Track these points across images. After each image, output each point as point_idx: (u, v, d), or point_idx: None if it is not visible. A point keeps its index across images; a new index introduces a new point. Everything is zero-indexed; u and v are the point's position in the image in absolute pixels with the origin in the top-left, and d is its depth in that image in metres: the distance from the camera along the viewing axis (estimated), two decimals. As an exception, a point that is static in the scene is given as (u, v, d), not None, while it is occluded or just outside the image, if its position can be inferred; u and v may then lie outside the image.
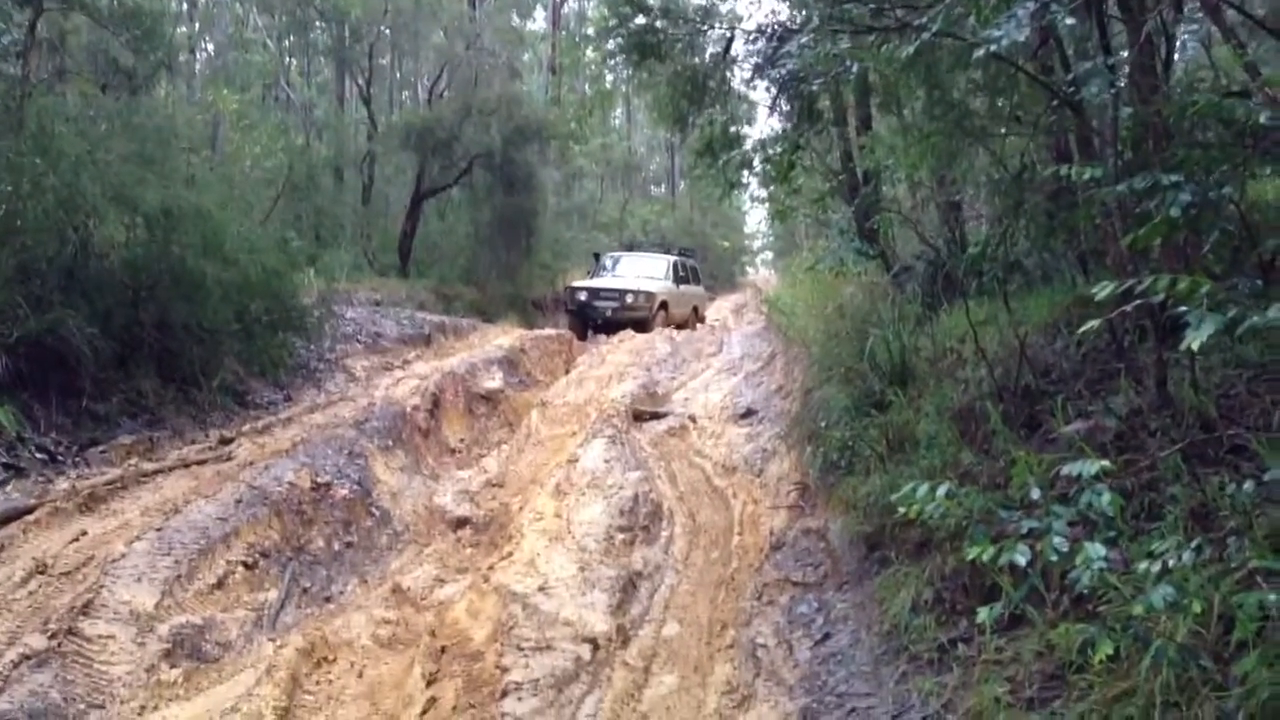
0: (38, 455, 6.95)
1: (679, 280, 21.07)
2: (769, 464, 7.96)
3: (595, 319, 18.98)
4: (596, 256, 22.73)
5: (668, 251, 23.16)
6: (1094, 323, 2.98)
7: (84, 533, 5.87)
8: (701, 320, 21.47)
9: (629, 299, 19.05)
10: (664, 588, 5.64)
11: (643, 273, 20.59)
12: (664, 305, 19.54)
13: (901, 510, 3.15)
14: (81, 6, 10.94)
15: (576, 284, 20.46)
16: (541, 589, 5.33)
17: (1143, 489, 3.60)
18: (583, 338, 18.28)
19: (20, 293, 7.40)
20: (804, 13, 8.28)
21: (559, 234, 27.88)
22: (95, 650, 4.65)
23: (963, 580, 4.05)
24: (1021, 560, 2.73)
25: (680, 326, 19.23)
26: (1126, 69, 4.85)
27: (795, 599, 5.19)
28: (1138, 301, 2.66)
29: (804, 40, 4.97)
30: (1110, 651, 2.62)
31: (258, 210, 13.63)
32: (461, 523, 7.21)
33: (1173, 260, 4.46)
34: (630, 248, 24.45)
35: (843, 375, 7.17)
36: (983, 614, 2.88)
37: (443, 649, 4.79)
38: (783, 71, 5.30)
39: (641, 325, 18.26)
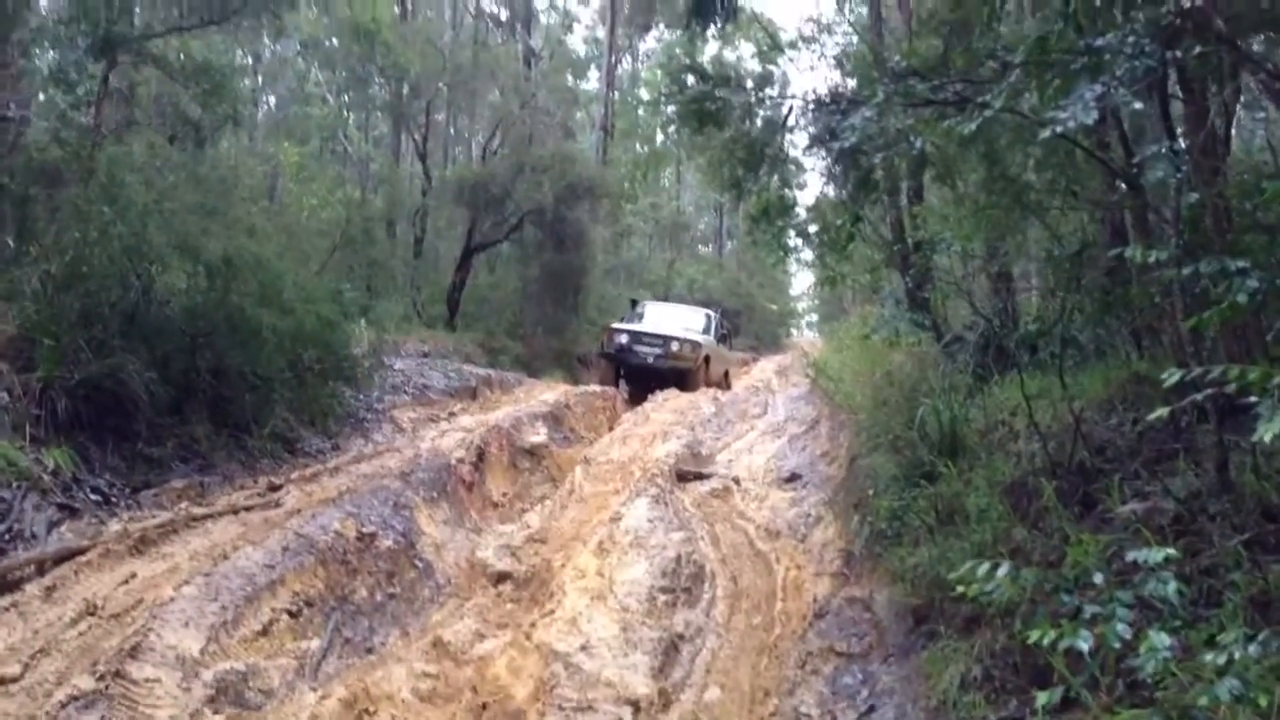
0: (92, 497, 7.05)
1: (718, 337, 19.88)
2: (813, 530, 7.91)
3: (634, 365, 17.82)
4: (633, 303, 21.02)
5: (705, 306, 22.15)
6: (1161, 411, 2.96)
7: (134, 575, 5.94)
8: (728, 386, 19.54)
9: (674, 346, 17.71)
10: (705, 651, 5.61)
11: (684, 323, 19.24)
12: (707, 360, 18.26)
13: (960, 589, 3.12)
14: (154, 60, 11.26)
15: (617, 325, 18.88)
16: (583, 648, 5.31)
17: (1201, 574, 3.55)
18: (615, 385, 17.57)
19: (83, 336, 7.56)
20: (857, 84, 8.38)
21: (606, 291, 28.05)
22: (141, 693, 4.69)
23: (1013, 659, 4.00)
24: (1084, 646, 2.70)
25: (712, 387, 17.99)
26: (1187, 150, 4.85)
27: (839, 669, 5.14)
28: (1209, 391, 2.64)
29: (868, 114, 5.02)
30: (1174, 742, 2.58)
31: (314, 261, 13.85)
32: (503, 577, 7.21)
33: (1232, 343, 4.43)
34: (665, 299, 23.46)
35: (891, 444, 7.14)
36: (1042, 698, 2.84)
37: (484, 705, 4.78)
38: (846, 144, 5.33)
39: (683, 378, 17.27)
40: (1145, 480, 4.49)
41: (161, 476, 7.76)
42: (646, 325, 18.66)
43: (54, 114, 10.72)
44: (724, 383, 19.38)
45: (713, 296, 28.42)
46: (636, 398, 16.45)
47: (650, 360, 17.59)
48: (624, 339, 17.95)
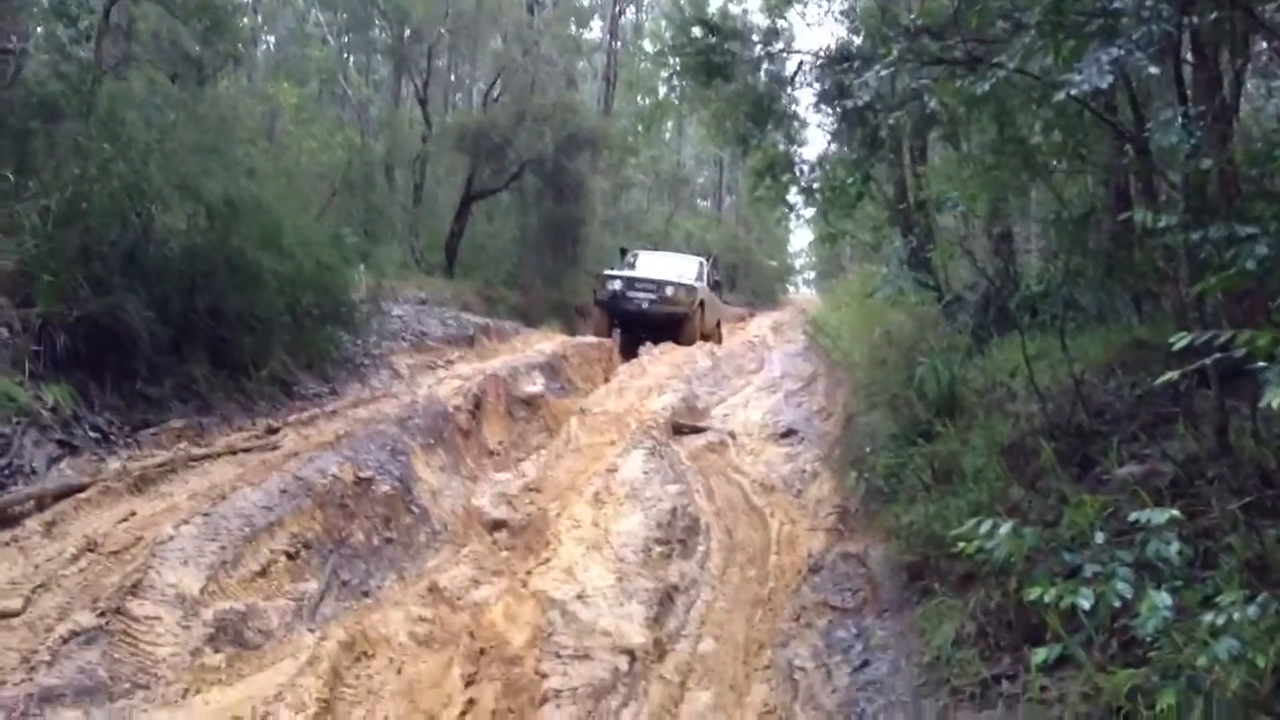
0: (91, 434, 7.05)
1: (711, 285, 19.66)
2: (808, 485, 7.96)
3: (628, 312, 17.53)
4: (623, 252, 20.75)
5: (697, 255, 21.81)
6: (1170, 374, 2.97)
7: (133, 513, 5.97)
8: (719, 338, 19.56)
9: (669, 291, 17.48)
10: (700, 603, 5.66)
11: (678, 270, 18.96)
12: (701, 305, 18.08)
13: (960, 545, 3.15)
14: (157, -4, 11.14)
15: (610, 272, 18.70)
16: (579, 597, 5.35)
17: (1198, 536, 3.58)
18: (608, 334, 17.33)
19: (82, 273, 7.52)
20: (866, 41, 8.31)
21: (604, 242, 27.95)
22: (142, 630, 4.73)
23: (1008, 616, 4.04)
24: (1085, 604, 2.73)
25: (704, 338, 17.91)
26: (1199, 115, 4.82)
27: (833, 623, 5.19)
28: (1217, 355, 2.66)
29: (883, 73, 4.98)
30: (1172, 700, 2.61)
31: (313, 204, 13.78)
32: (499, 525, 7.24)
33: (1234, 309, 4.45)
34: (657, 248, 23.04)
35: (888, 402, 7.16)
36: (1040, 654, 2.88)
37: (481, 651, 4.81)
38: (860, 102, 5.29)
39: (678, 325, 17.16)
40: (1143, 443, 4.52)
41: (160, 416, 7.77)
42: (640, 272, 18.52)
43: (54, 48, 10.58)
44: (716, 333, 19.29)
45: (711, 250, 28.32)
46: (630, 349, 16.31)
47: (645, 306, 17.42)
48: (617, 285, 17.80)
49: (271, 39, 30.21)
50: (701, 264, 19.90)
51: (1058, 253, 6.58)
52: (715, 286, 20.19)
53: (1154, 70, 4.32)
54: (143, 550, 5.38)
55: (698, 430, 10.01)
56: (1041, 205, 8.35)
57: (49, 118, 9.07)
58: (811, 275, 44.14)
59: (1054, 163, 6.28)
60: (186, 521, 5.75)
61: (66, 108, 9.25)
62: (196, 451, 7.32)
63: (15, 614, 4.70)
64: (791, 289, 44.18)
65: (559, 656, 4.61)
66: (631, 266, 19.10)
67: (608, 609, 5.23)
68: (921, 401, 6.57)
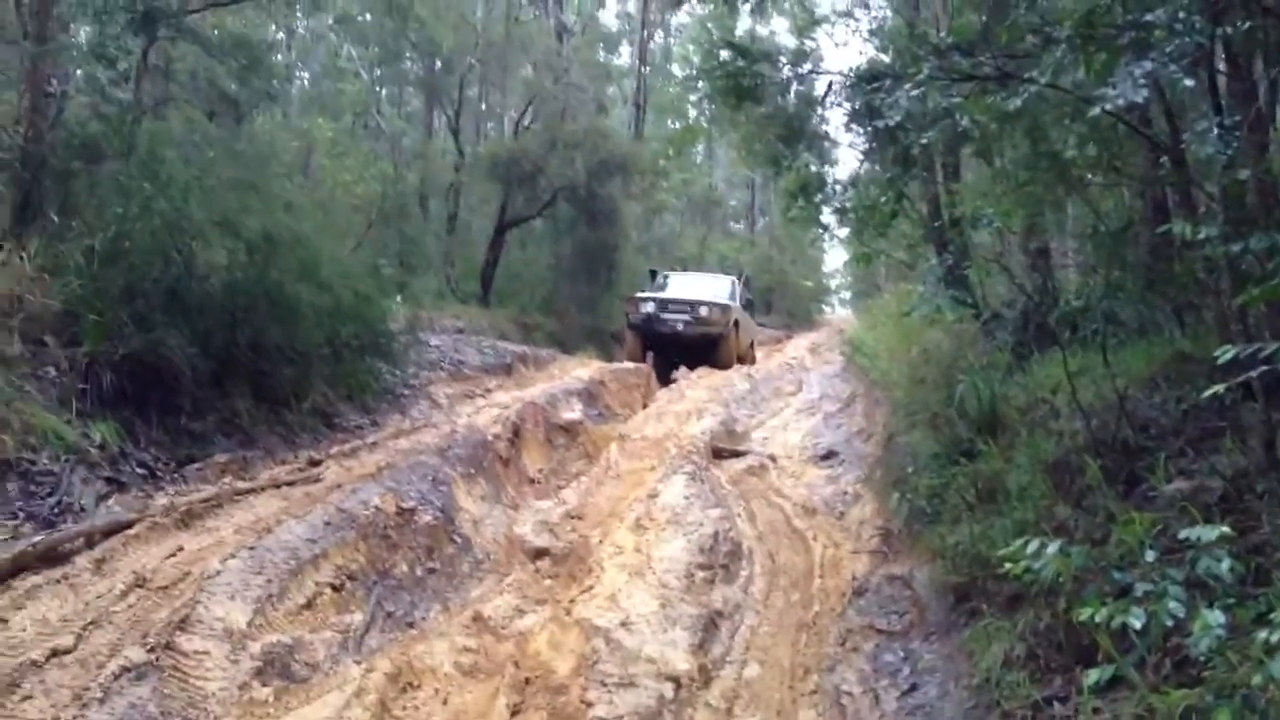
0: (138, 470, 7.15)
1: (744, 304, 19.22)
2: (850, 507, 7.92)
3: (662, 334, 17.00)
4: (654, 274, 20.06)
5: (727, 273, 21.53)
6: (1218, 387, 2.94)
7: (181, 548, 6.03)
8: (753, 359, 19.29)
9: (703, 311, 17.07)
10: (744, 628, 5.64)
11: (710, 290, 18.59)
12: (736, 325, 17.68)
13: (1008, 566, 3.12)
14: (192, 36, 11.33)
15: (642, 295, 18.22)
16: (623, 624, 5.35)
17: (1249, 552, 3.53)
18: (642, 358, 16.69)
19: (126, 311, 7.65)
20: (894, 60, 8.30)
21: (639, 267, 28.04)
22: (191, 665, 4.77)
23: (1058, 638, 4.00)
24: (1137, 624, 2.70)
25: (739, 359, 17.62)
26: (1235, 126, 4.79)
27: (880, 647, 5.15)
28: (1264, 368, 2.63)
29: (914, 93, 4.98)
30: (1227, 720, 2.58)
31: (350, 237, 13.94)
32: (541, 553, 7.24)
33: (1277, 320, 4.39)
34: (687, 268, 22.63)
35: (929, 421, 7.12)
36: (1092, 675, 2.84)
37: (526, 680, 4.82)
38: (892, 122, 5.29)
39: (713, 346, 16.82)
40: (1191, 459, 4.46)
41: (204, 450, 7.86)
42: (672, 293, 18.12)
43: (94, 89, 10.78)
44: (750, 354, 18.96)
45: (745, 273, 28.31)
46: (664, 374, 16.06)
47: (679, 327, 16.99)
48: (650, 307, 17.38)
49: (306, 75, 30.67)
50: (733, 283, 19.54)
51: (1096, 267, 6.53)
52: (748, 306, 19.89)
53: (1188, 83, 4.29)
54: (190, 585, 5.42)
55: (737, 454, 9.99)
56: (1078, 220, 8.29)
57: (90, 159, 9.25)
58: (847, 295, 43.89)
59: (1089, 176, 6.24)
60: (233, 556, 5.80)
61: (107, 148, 9.43)
62: (241, 485, 7.38)
63: (68, 651, 4.74)
64: (828, 309, 43.96)
65: (604, 685, 4.61)
66: (662, 288, 18.71)
67: (652, 635, 5.22)
68: (962, 420, 6.53)
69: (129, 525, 6.21)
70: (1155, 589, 2.77)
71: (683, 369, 15.95)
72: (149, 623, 5.04)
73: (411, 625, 6.04)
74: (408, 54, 25.91)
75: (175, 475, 7.37)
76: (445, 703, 4.75)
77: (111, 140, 9.58)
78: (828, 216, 9.29)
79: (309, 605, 5.77)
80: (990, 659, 4.23)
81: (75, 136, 9.43)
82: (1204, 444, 4.56)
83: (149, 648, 4.77)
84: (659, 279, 19.50)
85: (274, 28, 23.55)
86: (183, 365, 7.81)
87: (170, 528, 6.35)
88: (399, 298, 13.03)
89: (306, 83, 30.64)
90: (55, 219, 8.17)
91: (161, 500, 6.83)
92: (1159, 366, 5.53)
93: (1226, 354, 2.74)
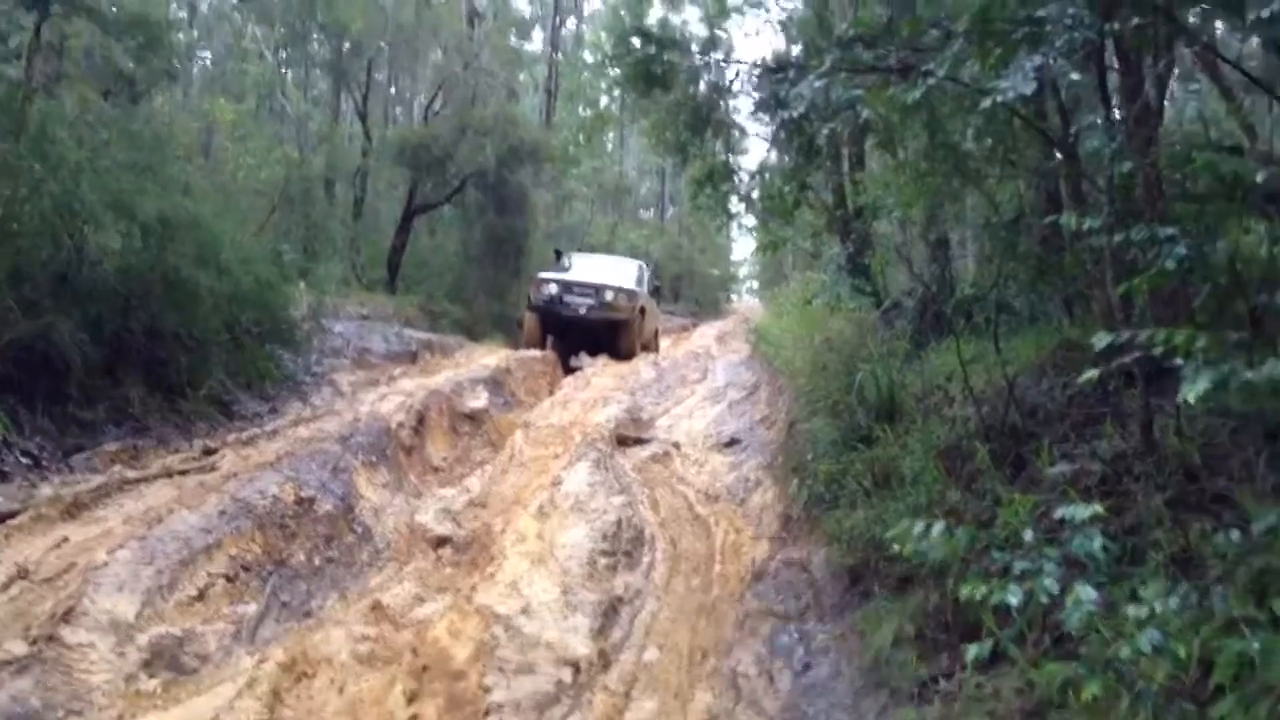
0: (22, 460, 6.93)
1: (651, 290, 18.77)
2: (752, 494, 7.99)
3: (565, 318, 16.52)
4: (558, 254, 19.63)
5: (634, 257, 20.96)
6: (1091, 373, 3.04)
7: (66, 539, 5.85)
8: (657, 347, 18.84)
9: (609, 296, 16.45)
10: (645, 613, 5.65)
11: (617, 273, 17.94)
12: (642, 312, 17.14)
13: (896, 547, 3.19)
14: (88, 12, 10.96)
15: (545, 275, 17.47)
16: (524, 611, 5.32)
17: (1125, 533, 3.65)
18: (541, 344, 16.40)
19: (12, 296, 7.40)
20: (803, 50, 8.40)
21: (548, 255, 27.98)
22: (75, 658, 4.63)
23: (945, 617, 4.09)
24: (1014, 601, 2.78)
25: (645, 348, 17.18)
26: (1122, 120, 4.94)
27: (776, 629, 5.21)
28: (1136, 354, 2.72)
29: (817, 84, 5.04)
30: (1096, 692, 2.66)
31: (252, 221, 13.65)
32: (443, 541, 7.18)
33: (1161, 308, 4.55)
34: (592, 249, 21.95)
35: (829, 408, 7.22)
36: (972, 651, 2.91)
37: (424, 667, 4.77)
38: (795, 113, 5.35)
39: (617, 332, 16.38)
40: (1074, 443, 4.60)
41: (94, 439, 7.64)
42: (576, 275, 17.42)
43: (-18, 65, 10.44)
44: (654, 342, 18.63)
45: (655, 261, 28.37)
46: (564, 360, 15.91)
47: (583, 311, 16.41)
48: (553, 289, 16.69)
49: (208, 55, 29.94)
50: (641, 268, 19.11)
51: (990, 257, 6.69)
52: (654, 292, 19.50)
53: (1076, 76, 4.42)
54: (76, 576, 5.26)
55: (642, 441, 10.02)
56: (976, 211, 8.48)
57: (-23, 138, 8.91)
58: (755, 284, 44.38)
59: (986, 169, 6.39)
60: (121, 546, 5.64)
61: (-5, 127, 9.09)
62: (131, 475, 7.18)
63: (-56, 645, 4.58)
64: (735, 298, 44.35)
65: (502, 670, 4.58)
66: (566, 270, 18.03)
67: (552, 622, 5.21)
68: (861, 407, 6.64)
69: (11, 516, 6.02)
70: (1033, 567, 2.85)
71: (584, 356, 15.84)
72: (31, 615, 4.89)
73: (308, 615, 5.94)
74: (315, 35, 25.46)
75: (62, 465, 7.16)
76: (341, 691, 4.68)
77: (0, 119, 9.24)
78: (735, 205, 9.38)
79: (201, 596, 5.64)
80: (881, 639, 4.31)
81: (-39, 115, 9.08)
82: (1087, 428, 4.71)
83: (31, 640, 4.63)
84: (564, 260, 18.93)
85: (174, 5, 22.95)
86: (72, 352, 7.59)
87: (55, 518, 6.16)
88: (302, 284, 12.81)
89: (209, 63, 29.93)
90: (-61, 200, 7.87)
91: (47, 490, 6.63)
92: (1047, 354, 5.69)
93: (1103, 340, 2.83)
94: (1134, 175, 4.55)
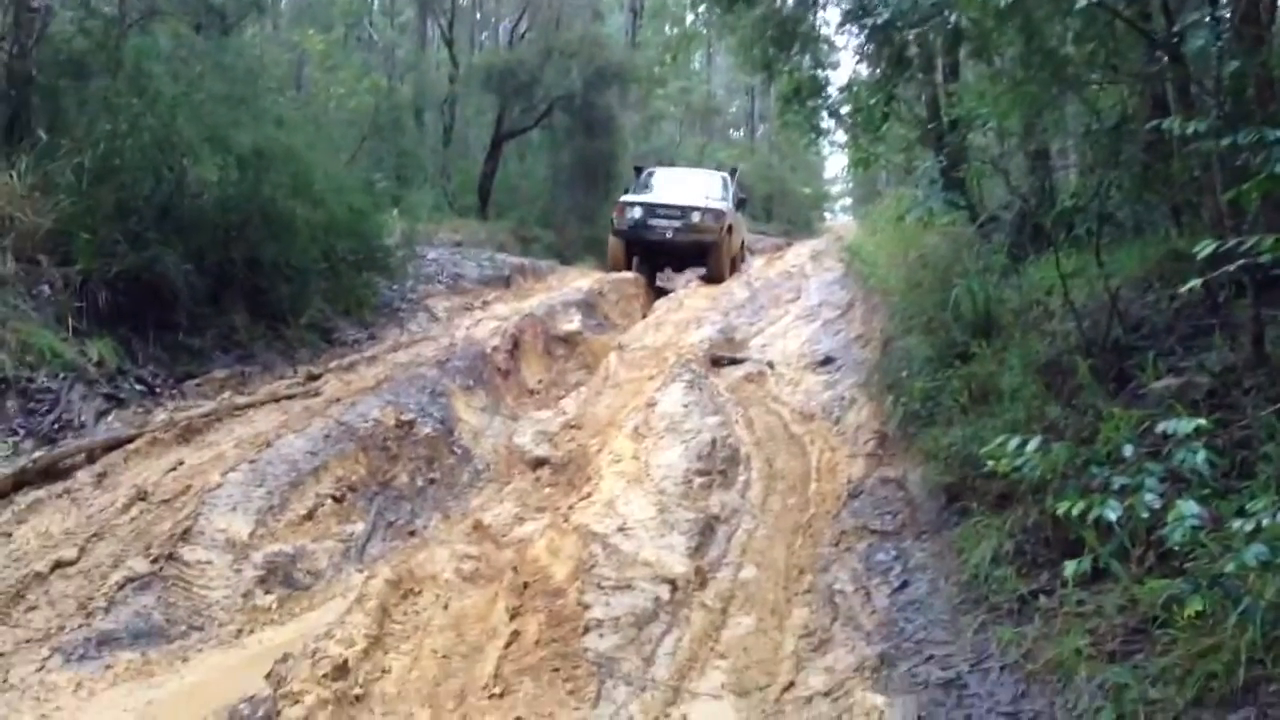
0: (136, 387, 7.20)
1: (737, 203, 17.72)
2: (847, 412, 7.94)
3: (652, 242, 15.92)
4: (638, 171, 18.58)
5: (718, 169, 19.81)
6: (1194, 282, 2.96)
7: (181, 462, 6.11)
8: (744, 257, 18.20)
9: (696, 218, 15.70)
10: (741, 532, 5.70)
11: (701, 190, 17.00)
12: (729, 230, 16.25)
13: (990, 464, 3.15)
14: (175, -53, 11.09)
15: (627, 199, 16.62)
16: (620, 530, 5.41)
17: (1235, 447, 3.56)
18: (626, 266, 15.93)
19: (119, 229, 7.62)
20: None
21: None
22: (194, 575, 4.87)
23: (1045, 533, 4.05)
24: (1112, 516, 2.74)
25: (733, 264, 16.60)
26: (1229, 17, 4.70)
27: (873, 546, 5.21)
28: (1241, 261, 2.62)
29: (900, -13, 4.90)
30: (1199, 608, 2.63)
31: (343, 151, 13.80)
32: (540, 463, 7.32)
33: (1273, 215, 4.36)
34: (671, 164, 20.78)
35: (925, 325, 7.11)
36: (1069, 567, 2.89)
37: (525, 585, 4.90)
38: (878, 20, 5.21)
39: (705, 252, 15.80)
40: (1180, 356, 4.48)
41: (203, 366, 7.91)
42: (660, 196, 16.64)
43: (78, 4, 10.59)
44: (741, 253, 18.05)
45: (745, 180, 27.99)
46: (650, 279, 15.89)
47: (670, 235, 15.76)
48: (638, 213, 15.96)
49: (295, -14, 30.05)
50: (725, 180, 18.10)
51: (1092, 166, 6.47)
52: (740, 205, 18.43)
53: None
54: (192, 498, 5.50)
55: (736, 362, 10.00)
56: (1076, 119, 8.18)
57: (77, 75, 9.12)
58: (848, 202, 43.64)
59: (1086, 74, 6.14)
60: (233, 469, 5.87)
61: (94, 64, 9.29)
62: (240, 400, 7.43)
63: (71, 563, 4.84)
64: (829, 216, 43.70)
65: (601, 588, 4.67)
66: (648, 187, 17.33)
67: (649, 540, 5.29)
68: (958, 323, 6.52)
69: (129, 440, 6.29)
70: (1133, 482, 2.80)
71: (668, 272, 15.63)
72: (151, 535, 5.13)
73: (413, 534, 6.13)
74: (400, -38, 25.41)
75: (174, 391, 7.42)
76: (446, 608, 4.84)
77: (98, 56, 9.42)
78: (824, 121, 9.20)
79: (310, 516, 5.85)
80: (979, 555, 4.29)
81: (61, 53, 9.26)
82: (1195, 341, 4.57)
83: (152, 559, 4.87)
84: (644, 176, 18.15)
85: (261, -64, 23.01)
86: (178, 282, 7.83)
87: (170, 443, 6.42)
88: (395, 212, 12.96)
89: (296, -7, 30.06)
90: (44, 137, 8.08)
91: (161, 416, 6.89)
92: (1153, 266, 5.52)
93: (1207, 248, 2.73)
94: (1244, 75, 4.34)
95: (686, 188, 17.18)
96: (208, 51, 11.24)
